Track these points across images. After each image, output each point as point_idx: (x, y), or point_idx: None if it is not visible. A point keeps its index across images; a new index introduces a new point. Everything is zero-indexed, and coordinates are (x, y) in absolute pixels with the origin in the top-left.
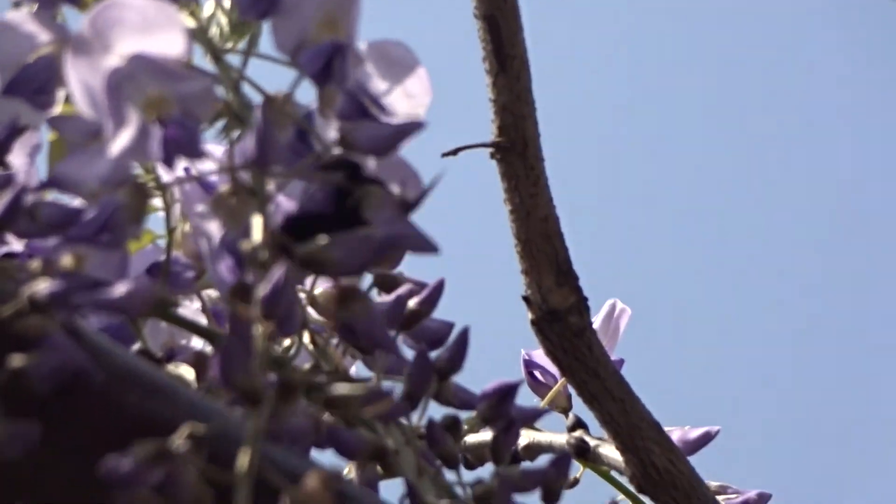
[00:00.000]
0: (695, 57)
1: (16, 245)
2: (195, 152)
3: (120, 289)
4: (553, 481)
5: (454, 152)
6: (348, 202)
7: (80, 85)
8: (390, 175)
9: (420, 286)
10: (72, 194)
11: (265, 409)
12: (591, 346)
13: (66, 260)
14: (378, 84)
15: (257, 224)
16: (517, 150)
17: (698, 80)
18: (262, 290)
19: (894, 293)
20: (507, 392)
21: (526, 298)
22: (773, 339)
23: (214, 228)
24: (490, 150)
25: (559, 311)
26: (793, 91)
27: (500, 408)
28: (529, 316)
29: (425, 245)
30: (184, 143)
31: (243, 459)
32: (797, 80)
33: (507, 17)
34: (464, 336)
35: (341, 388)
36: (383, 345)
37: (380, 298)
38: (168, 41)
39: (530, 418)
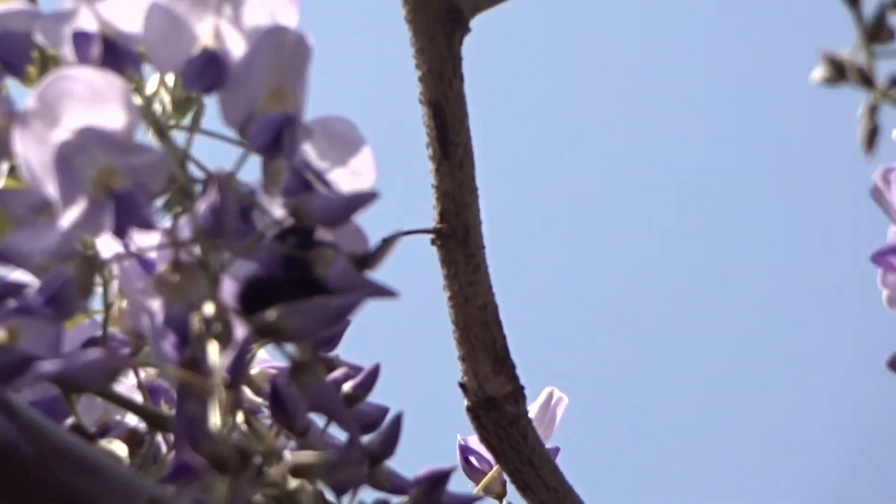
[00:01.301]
0: (652, 130)
1: None
2: (147, 224)
3: (82, 357)
4: None
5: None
6: (299, 264)
7: (28, 158)
8: (341, 239)
9: (356, 370)
10: (20, 268)
11: (234, 476)
12: (526, 434)
13: (0, 334)
14: (322, 160)
15: (209, 297)
16: (458, 238)
17: (649, 155)
18: (226, 358)
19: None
20: (439, 478)
21: (462, 385)
22: (711, 430)
23: (156, 305)
24: (430, 236)
25: (495, 399)
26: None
27: (432, 494)
28: (465, 402)
29: (382, 292)
30: (136, 215)
31: None
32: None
33: (453, 105)
34: (397, 421)
35: (306, 456)
36: (336, 417)
37: None
38: (114, 113)
39: None
